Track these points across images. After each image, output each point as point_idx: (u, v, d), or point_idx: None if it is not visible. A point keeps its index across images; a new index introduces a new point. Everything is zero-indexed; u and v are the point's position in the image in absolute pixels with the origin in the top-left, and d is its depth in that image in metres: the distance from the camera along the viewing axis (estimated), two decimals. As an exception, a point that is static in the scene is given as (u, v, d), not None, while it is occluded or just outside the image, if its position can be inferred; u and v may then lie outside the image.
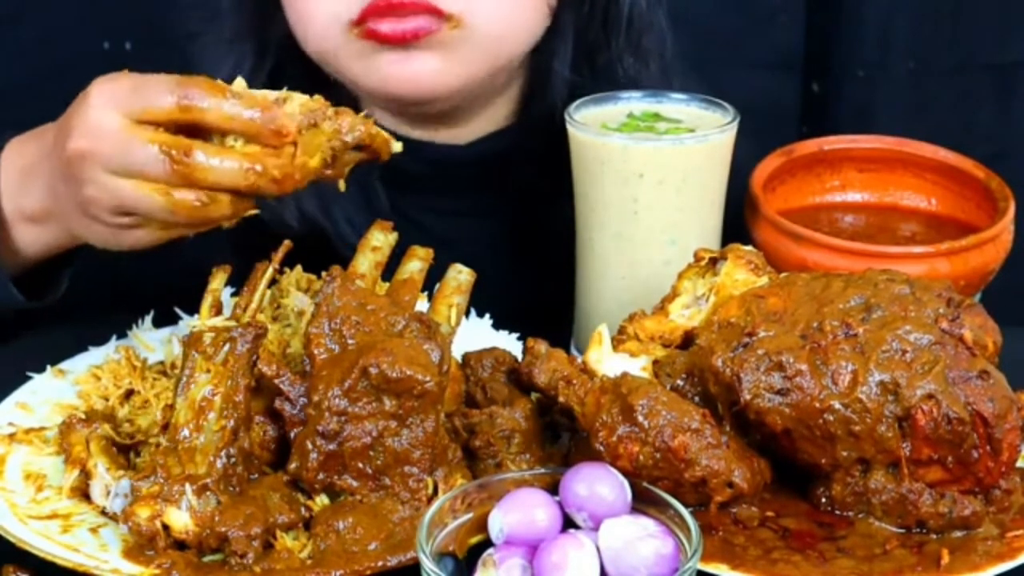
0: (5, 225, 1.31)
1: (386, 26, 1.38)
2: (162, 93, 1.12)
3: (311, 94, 1.18)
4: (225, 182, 1.12)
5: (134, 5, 2.14)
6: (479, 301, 1.34)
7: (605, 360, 1.18)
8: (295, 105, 1.14)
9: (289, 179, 1.13)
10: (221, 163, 1.11)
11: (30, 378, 1.32)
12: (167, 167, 1.11)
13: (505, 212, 1.58)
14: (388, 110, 1.54)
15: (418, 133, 1.54)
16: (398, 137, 1.47)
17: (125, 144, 1.12)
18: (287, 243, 1.28)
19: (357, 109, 1.19)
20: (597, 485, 1.00)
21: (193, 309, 1.31)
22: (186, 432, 1.10)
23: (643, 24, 1.54)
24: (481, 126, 1.55)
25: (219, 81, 1.14)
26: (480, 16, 1.41)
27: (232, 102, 1.12)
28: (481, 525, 0.99)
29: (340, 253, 1.40)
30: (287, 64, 1.53)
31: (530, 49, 1.50)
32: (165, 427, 1.17)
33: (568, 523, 0.99)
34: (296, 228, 1.50)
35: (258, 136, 1.12)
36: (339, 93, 1.49)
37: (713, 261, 1.24)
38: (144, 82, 1.14)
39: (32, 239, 1.32)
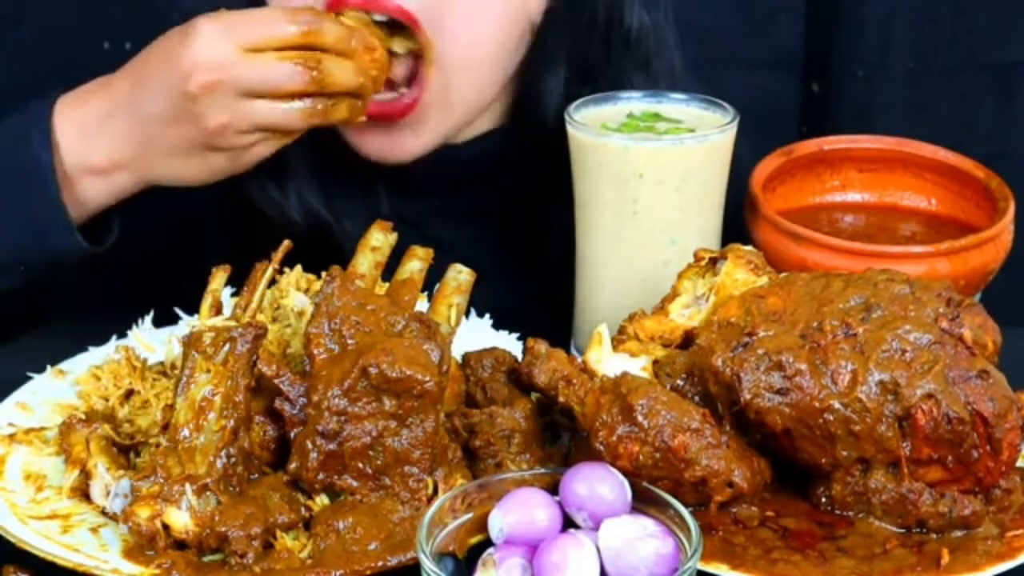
0: (68, 179, 1.34)
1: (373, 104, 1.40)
2: (280, 22, 1.29)
3: None
4: (348, 84, 1.31)
5: (134, 5, 2.14)
6: (479, 301, 1.34)
7: (605, 360, 1.18)
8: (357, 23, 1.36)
9: (380, 79, 1.37)
10: (343, 68, 1.31)
11: (30, 378, 1.32)
12: (305, 80, 1.28)
13: (504, 212, 1.58)
14: None
15: None
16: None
17: (258, 67, 1.27)
18: (287, 243, 1.28)
19: None
20: (597, 485, 1.00)
21: (193, 309, 1.31)
22: (186, 432, 1.10)
23: (651, 44, 1.52)
24: (473, 128, 1.55)
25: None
26: (448, 43, 1.40)
27: (338, 26, 1.31)
28: (481, 525, 0.99)
29: (341, 250, 1.40)
30: None
31: (512, 72, 1.49)
32: (165, 427, 1.17)
33: (568, 523, 0.99)
34: (299, 222, 1.50)
35: (355, 52, 1.32)
36: None
37: (713, 261, 1.24)
38: (252, 15, 1.30)
39: (98, 191, 1.36)
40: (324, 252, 1.35)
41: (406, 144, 1.46)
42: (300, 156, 1.50)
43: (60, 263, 1.37)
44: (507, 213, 1.58)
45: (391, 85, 1.43)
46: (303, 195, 1.52)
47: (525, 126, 1.52)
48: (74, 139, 1.34)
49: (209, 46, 1.26)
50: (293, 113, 1.30)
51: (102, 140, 1.33)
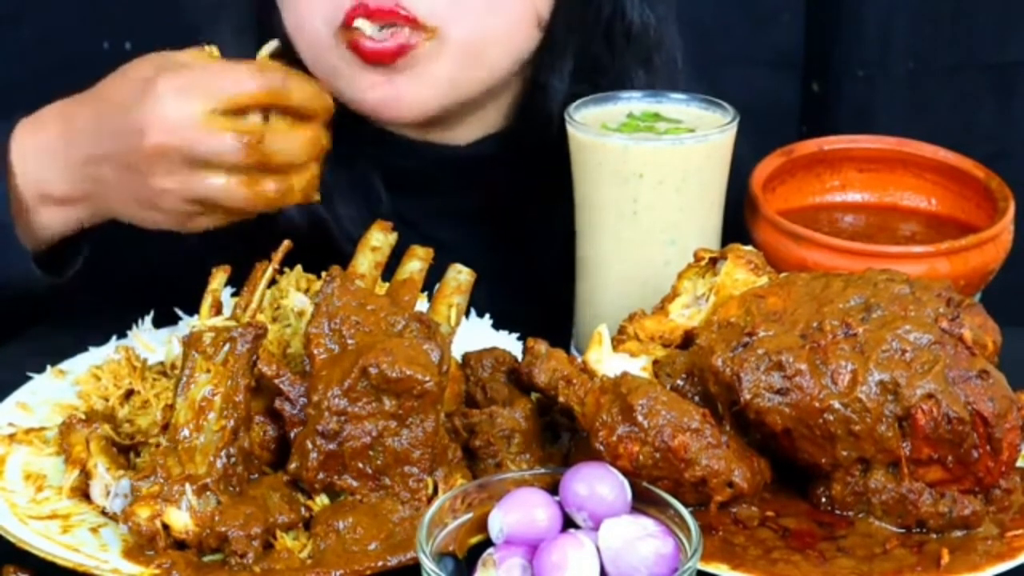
0: (24, 207, 1.31)
1: (369, 43, 1.37)
2: (244, 81, 1.22)
3: None
4: (291, 158, 1.24)
5: (134, 5, 2.14)
6: (479, 301, 1.34)
7: (605, 360, 1.18)
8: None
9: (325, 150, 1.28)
10: (290, 138, 1.24)
11: (30, 378, 1.32)
12: (244, 153, 1.21)
13: (505, 212, 1.58)
14: None
15: (413, 135, 1.54)
16: (396, 137, 1.48)
17: (207, 136, 1.21)
18: (287, 243, 1.28)
19: None
20: (597, 485, 1.00)
21: (193, 309, 1.31)
22: (186, 432, 1.10)
23: (652, 41, 1.52)
24: (476, 128, 1.55)
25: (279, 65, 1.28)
26: (459, 30, 1.39)
27: (306, 86, 1.26)
28: (481, 525, 0.99)
29: (341, 251, 1.40)
30: (288, 61, 1.53)
31: (520, 64, 1.49)
32: (165, 427, 1.17)
33: (568, 523, 0.99)
34: (300, 223, 1.50)
35: (320, 112, 1.27)
36: None
37: (713, 261, 1.24)
38: (215, 72, 1.23)
39: (56, 220, 1.33)
40: (324, 252, 1.35)
41: (403, 90, 1.40)
42: None
43: (16, 291, 1.33)
44: (507, 213, 1.58)
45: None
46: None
47: (530, 124, 1.52)
48: (31, 166, 1.30)
49: (167, 109, 1.21)
50: (239, 193, 1.23)
51: (58, 170, 1.30)
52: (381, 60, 1.38)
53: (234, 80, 1.22)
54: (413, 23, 1.36)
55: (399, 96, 1.41)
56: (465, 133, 1.54)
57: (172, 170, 1.22)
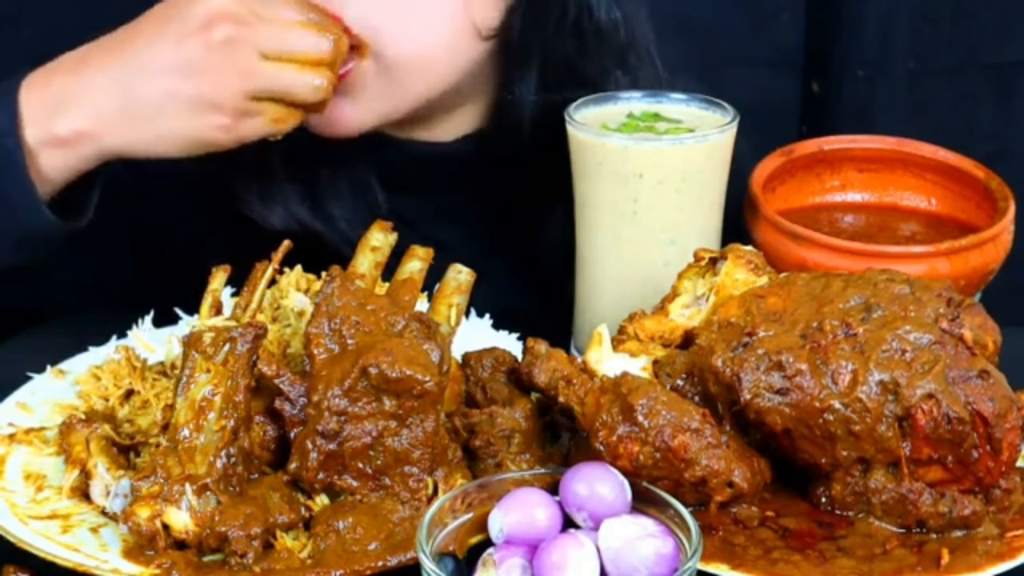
0: (31, 153, 1.31)
1: None
2: (289, 7, 1.29)
3: None
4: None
5: (134, 5, 2.14)
6: (479, 301, 1.34)
7: (605, 360, 1.18)
8: None
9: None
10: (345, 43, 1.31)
11: (30, 378, 1.32)
12: (330, 47, 1.29)
13: (498, 210, 1.58)
14: None
15: (395, 132, 1.53)
16: (383, 135, 1.47)
17: (284, 31, 1.27)
18: (287, 243, 1.28)
19: None
20: (597, 485, 1.00)
21: (193, 309, 1.31)
22: (186, 432, 1.10)
23: (623, 39, 1.49)
24: (456, 126, 1.54)
25: None
26: (392, 47, 1.39)
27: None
28: (481, 525, 0.99)
29: (338, 253, 1.40)
30: None
31: (470, 75, 1.47)
32: (165, 427, 1.17)
33: (568, 523, 0.99)
34: (295, 231, 1.50)
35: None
36: None
37: (713, 261, 1.24)
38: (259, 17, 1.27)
39: (59, 163, 1.32)
40: (324, 252, 1.35)
41: (344, 112, 1.41)
42: (284, 165, 1.50)
43: (34, 239, 1.34)
44: (501, 212, 1.58)
45: None
46: (290, 207, 1.51)
47: (502, 128, 1.51)
48: (37, 111, 1.31)
49: (227, 2, 1.26)
50: (311, 84, 1.29)
51: (72, 107, 1.30)
52: None
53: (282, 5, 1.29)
54: (346, 32, 1.36)
55: (336, 118, 1.41)
56: (445, 131, 1.54)
57: (245, 63, 1.26)
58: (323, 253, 1.35)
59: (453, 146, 1.54)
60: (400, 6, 1.38)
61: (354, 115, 1.42)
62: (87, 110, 1.30)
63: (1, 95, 1.31)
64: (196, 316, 1.29)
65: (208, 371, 1.12)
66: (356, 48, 1.38)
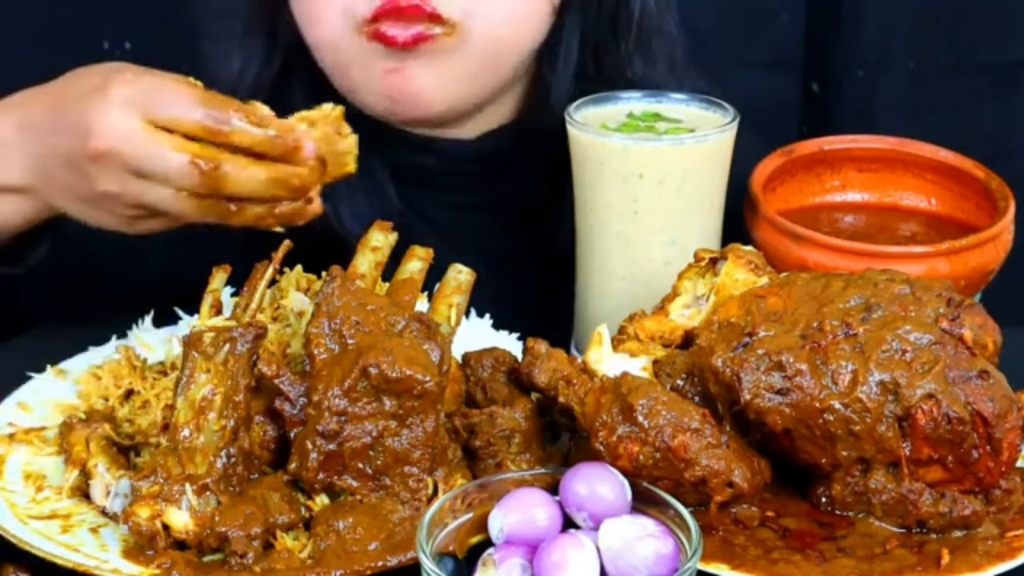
0: None
1: (391, 30, 1.39)
2: (189, 107, 1.16)
3: (318, 100, 1.23)
4: (250, 193, 1.17)
5: (134, 5, 2.14)
6: (479, 301, 1.34)
7: (605, 360, 1.18)
8: (319, 127, 1.21)
9: (304, 189, 1.20)
10: (248, 176, 1.17)
11: (30, 378, 1.32)
12: (194, 179, 1.16)
13: (510, 209, 1.58)
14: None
15: (420, 130, 1.54)
16: (403, 133, 1.47)
17: (151, 149, 1.16)
18: (287, 243, 1.28)
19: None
20: (597, 485, 1.00)
21: (193, 309, 1.31)
22: (186, 432, 1.10)
23: (652, 27, 1.53)
24: (484, 123, 1.55)
25: (237, 101, 1.18)
26: (478, 22, 1.40)
27: (254, 131, 1.17)
28: (481, 525, 0.99)
29: (345, 248, 1.40)
30: (295, 66, 1.53)
31: (533, 53, 1.50)
32: (165, 427, 1.17)
33: (568, 523, 0.99)
34: (304, 225, 1.50)
35: (280, 156, 1.18)
36: (336, 100, 1.50)
37: (713, 261, 1.24)
38: (166, 89, 1.18)
39: (7, 210, 1.30)
40: (325, 252, 1.35)
41: (416, 79, 1.41)
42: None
43: None
44: (511, 210, 1.58)
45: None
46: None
47: (536, 115, 1.52)
48: None
49: (113, 115, 1.17)
50: (183, 203, 1.18)
51: (14, 160, 1.26)
52: (404, 45, 1.39)
53: (179, 104, 1.17)
54: (436, 19, 1.38)
55: (415, 91, 1.42)
56: (473, 127, 1.54)
57: (115, 176, 1.18)
58: (326, 252, 1.35)
59: (475, 144, 1.54)
60: None
61: (438, 95, 1.43)
62: (26, 166, 1.26)
63: None
64: (196, 316, 1.29)
65: (208, 371, 1.12)
66: (442, 23, 1.38)
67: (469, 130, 1.55)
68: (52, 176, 1.24)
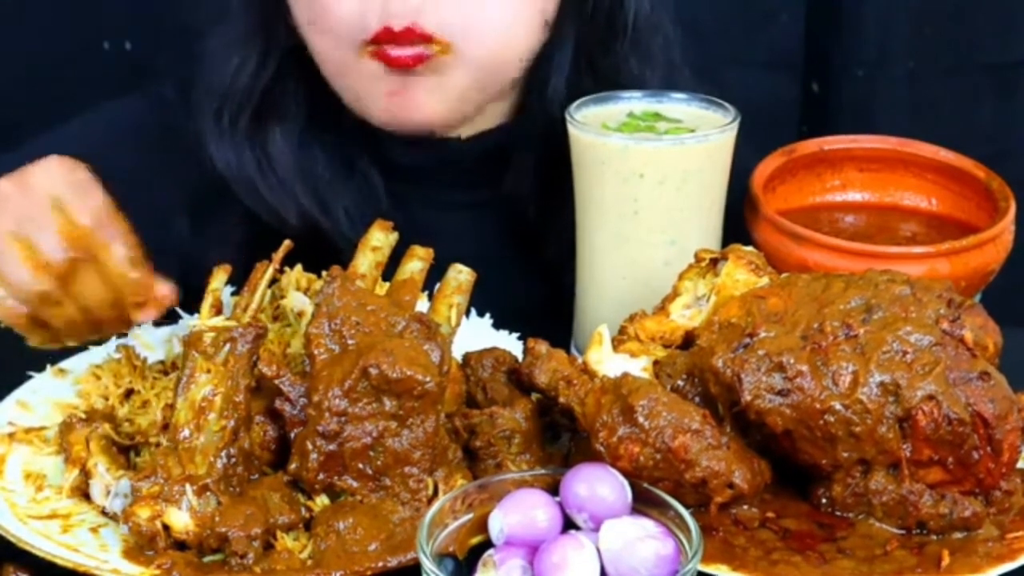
0: None
1: (393, 51, 1.40)
2: (47, 248, 1.15)
3: (312, 104, 1.22)
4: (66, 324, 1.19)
5: (134, 4, 2.14)
6: (479, 301, 1.34)
7: (605, 360, 1.18)
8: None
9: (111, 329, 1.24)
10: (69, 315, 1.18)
11: (30, 378, 1.32)
12: (32, 301, 1.16)
13: (506, 209, 1.58)
14: None
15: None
16: (398, 134, 1.47)
17: (8, 256, 1.15)
18: (287, 243, 1.28)
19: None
20: (597, 486, 1.00)
21: (193, 309, 1.31)
22: (186, 432, 1.10)
23: (648, 28, 1.53)
24: (478, 123, 1.55)
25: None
26: (472, 40, 1.42)
27: (101, 289, 1.18)
28: (481, 526, 0.99)
29: (339, 250, 1.40)
30: (290, 71, 1.53)
31: (528, 63, 1.50)
32: (165, 427, 1.17)
33: (568, 524, 0.99)
34: (296, 225, 1.50)
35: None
36: (329, 104, 1.50)
37: (714, 261, 1.24)
38: (39, 212, 1.16)
39: None
40: (324, 252, 1.35)
41: (416, 97, 1.44)
42: (291, 159, 1.50)
43: None
44: (509, 210, 1.58)
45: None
46: (298, 198, 1.51)
47: (531, 116, 1.53)
48: None
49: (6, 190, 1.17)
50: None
51: None
52: (404, 65, 1.41)
53: (41, 238, 1.17)
54: (430, 40, 1.40)
55: (414, 104, 1.44)
56: (468, 128, 1.55)
57: None
58: (324, 252, 1.35)
59: (468, 144, 1.55)
60: (480, 6, 1.41)
61: (437, 110, 1.45)
62: None
63: None
64: (196, 316, 1.28)
65: (208, 371, 1.12)
66: (435, 43, 1.40)
67: (464, 130, 1.55)
68: None
